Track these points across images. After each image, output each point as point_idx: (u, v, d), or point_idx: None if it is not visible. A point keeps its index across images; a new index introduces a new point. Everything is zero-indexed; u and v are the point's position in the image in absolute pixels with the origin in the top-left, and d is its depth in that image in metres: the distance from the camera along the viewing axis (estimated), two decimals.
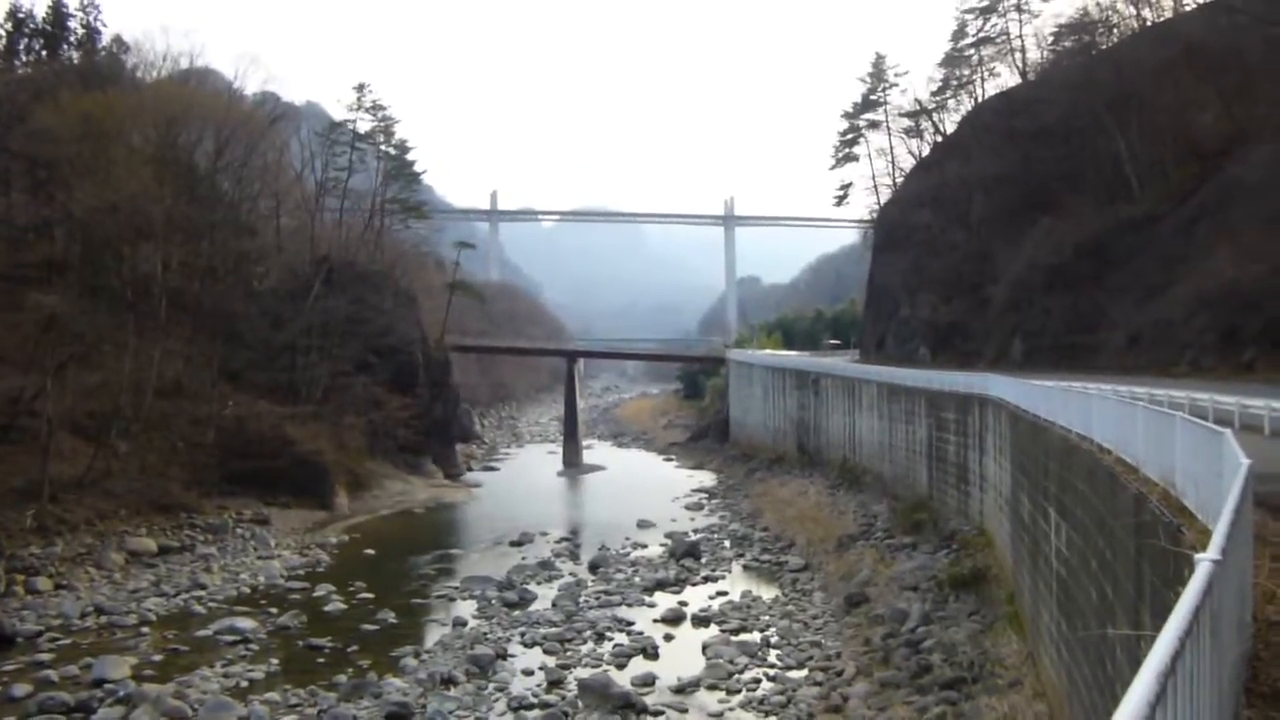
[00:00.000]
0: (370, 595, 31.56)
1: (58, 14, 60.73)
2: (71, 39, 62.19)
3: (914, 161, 70.80)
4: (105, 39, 64.05)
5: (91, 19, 62.46)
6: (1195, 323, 34.79)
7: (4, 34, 59.46)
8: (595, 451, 78.81)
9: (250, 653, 25.35)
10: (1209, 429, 8.96)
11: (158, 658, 24.86)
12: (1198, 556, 3.96)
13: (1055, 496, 17.29)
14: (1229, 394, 19.08)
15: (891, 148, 73.95)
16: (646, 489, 57.15)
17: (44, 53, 61.00)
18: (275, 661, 24.78)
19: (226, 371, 48.46)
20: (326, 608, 30.19)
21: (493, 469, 69.34)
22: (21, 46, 60.60)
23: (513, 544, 40.80)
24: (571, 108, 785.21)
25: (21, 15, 60.14)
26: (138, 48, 64.51)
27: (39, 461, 34.71)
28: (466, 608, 30.40)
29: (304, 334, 53.17)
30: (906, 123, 72.16)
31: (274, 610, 29.45)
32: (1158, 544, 8.51)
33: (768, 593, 31.73)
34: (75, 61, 60.51)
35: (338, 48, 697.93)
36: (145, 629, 27.47)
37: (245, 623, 27.44)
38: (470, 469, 67.08)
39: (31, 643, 25.75)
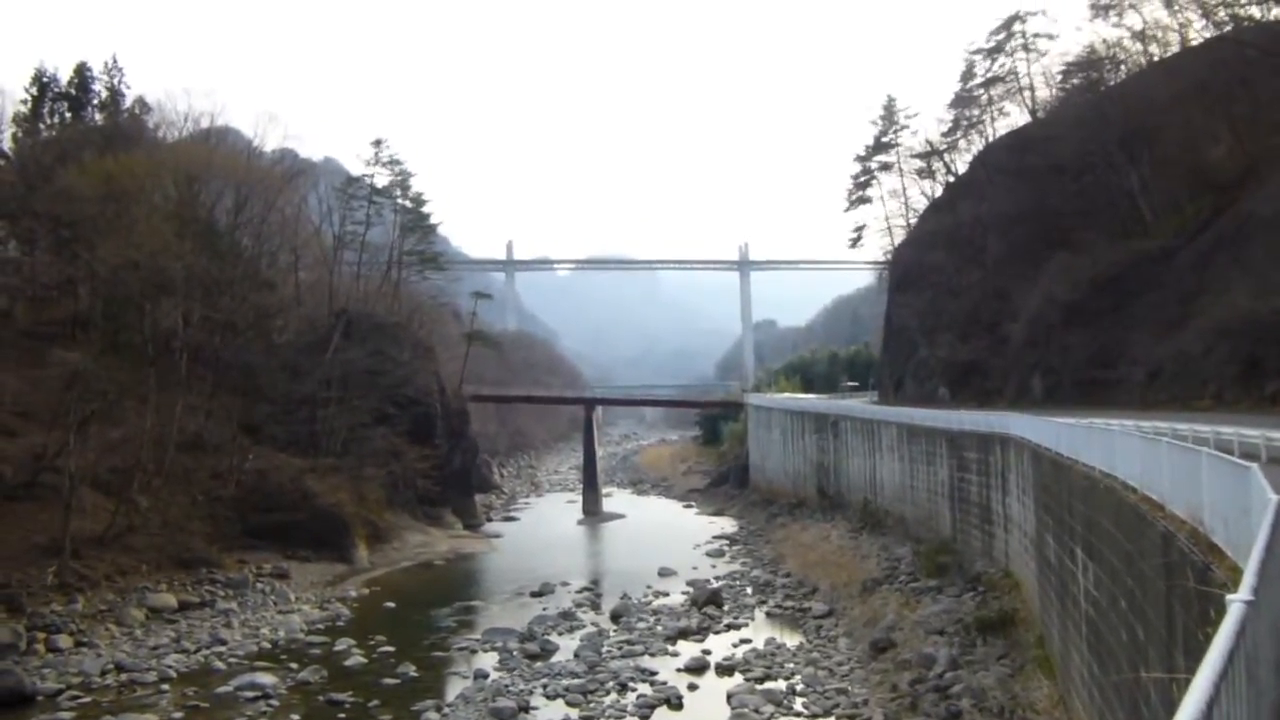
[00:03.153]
0: (391, 649, 31.30)
1: (82, 78, 62.24)
2: (95, 101, 63.59)
3: (927, 202, 70.92)
4: (128, 100, 65.70)
5: (115, 82, 63.99)
6: (1215, 356, 34.41)
7: (30, 98, 60.65)
8: (614, 499, 78.87)
9: (271, 709, 25.12)
10: (1235, 464, 8.85)
11: (178, 715, 24.68)
12: (1229, 597, 3.91)
13: (1081, 536, 17.09)
14: (1253, 427, 18.81)
15: (904, 189, 74.44)
16: (667, 536, 56.90)
17: (68, 115, 62.19)
18: (296, 717, 24.55)
19: (246, 425, 48.64)
20: (347, 662, 29.92)
21: (512, 519, 69.32)
22: (46, 110, 61.92)
23: (533, 595, 40.48)
24: (584, 157, 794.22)
25: (46, 79, 61.51)
26: (160, 108, 66.36)
27: (61, 518, 34.78)
28: (488, 660, 30.09)
29: (323, 386, 53.43)
30: (918, 164, 72.49)
31: (294, 665, 29.23)
32: (1187, 584, 8.37)
33: (792, 639, 31.32)
34: (99, 123, 61.90)
35: (354, 104, 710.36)
36: (165, 686, 27.28)
37: (266, 678, 27.21)
38: (490, 519, 67.20)
39: (52, 701, 25.58)
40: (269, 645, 32.07)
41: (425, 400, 60.51)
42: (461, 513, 62.71)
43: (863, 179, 75.80)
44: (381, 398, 56.29)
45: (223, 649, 31.06)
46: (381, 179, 69.22)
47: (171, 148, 59.12)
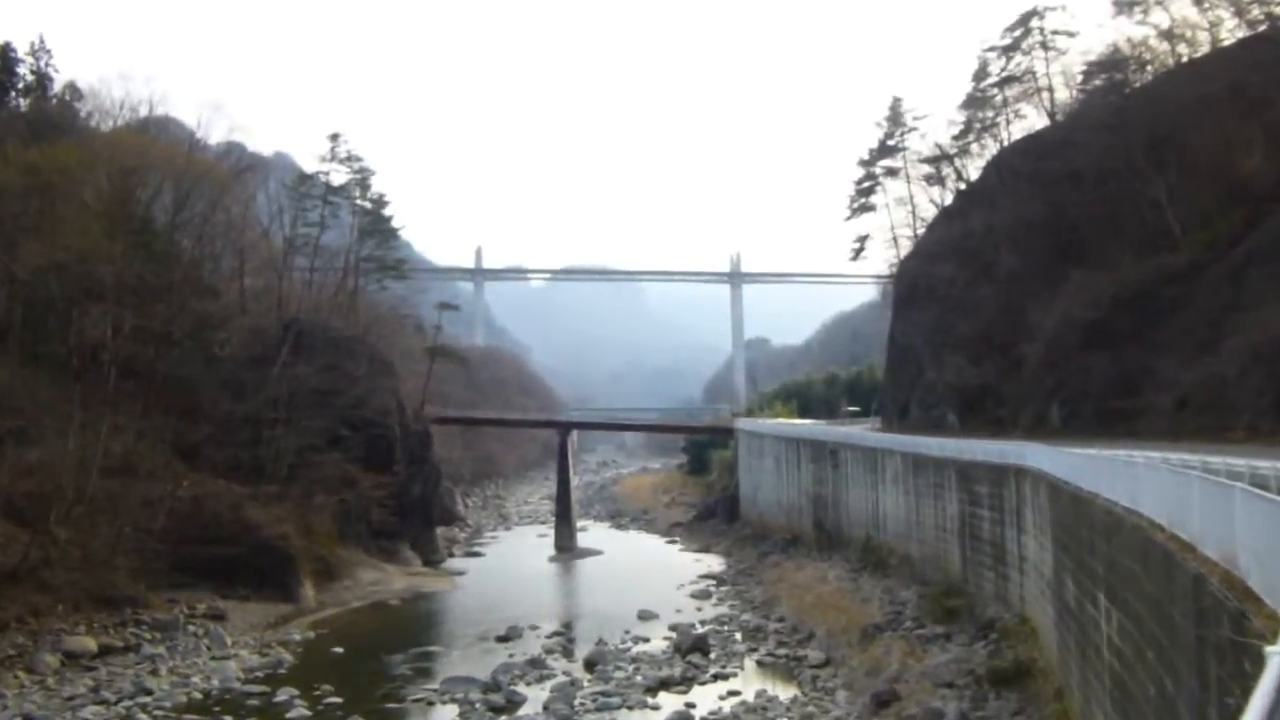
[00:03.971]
0: (338, 700, 30.95)
1: (5, 59, 61.39)
2: (19, 86, 62.71)
3: (936, 211, 71.42)
4: (57, 86, 64.86)
5: (42, 64, 63.08)
6: (1250, 381, 34.47)
7: None
8: (591, 534, 79.08)
9: None
10: (1273, 501, 8.78)
11: None
12: (1269, 650, 3.81)
13: (1104, 578, 17.06)
14: None
15: (911, 196, 74.58)
16: (648, 575, 57.09)
17: None
18: None
19: (182, 448, 48.35)
20: (289, 715, 29.54)
21: (477, 554, 69.32)
22: None
23: (499, 639, 40.34)
24: (562, 159, 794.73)
25: None
26: (93, 95, 65.35)
27: None
28: (447, 713, 29.81)
29: (269, 405, 53.16)
30: (927, 169, 72.46)
31: (229, 718, 28.81)
32: (1222, 633, 8.28)
33: (785, 691, 31.20)
34: (23, 110, 61.03)
35: (309, 95, 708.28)
36: None
37: None
38: (452, 555, 67.07)
39: None
40: (201, 695, 31.59)
41: (383, 422, 60.21)
42: (421, 547, 62.50)
43: (866, 185, 76.33)
44: (334, 418, 55.94)
45: (148, 699, 30.53)
46: (338, 177, 69.28)
47: (105, 139, 58.56)
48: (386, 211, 73.52)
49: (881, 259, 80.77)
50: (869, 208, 76.98)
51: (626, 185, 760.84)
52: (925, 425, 55.78)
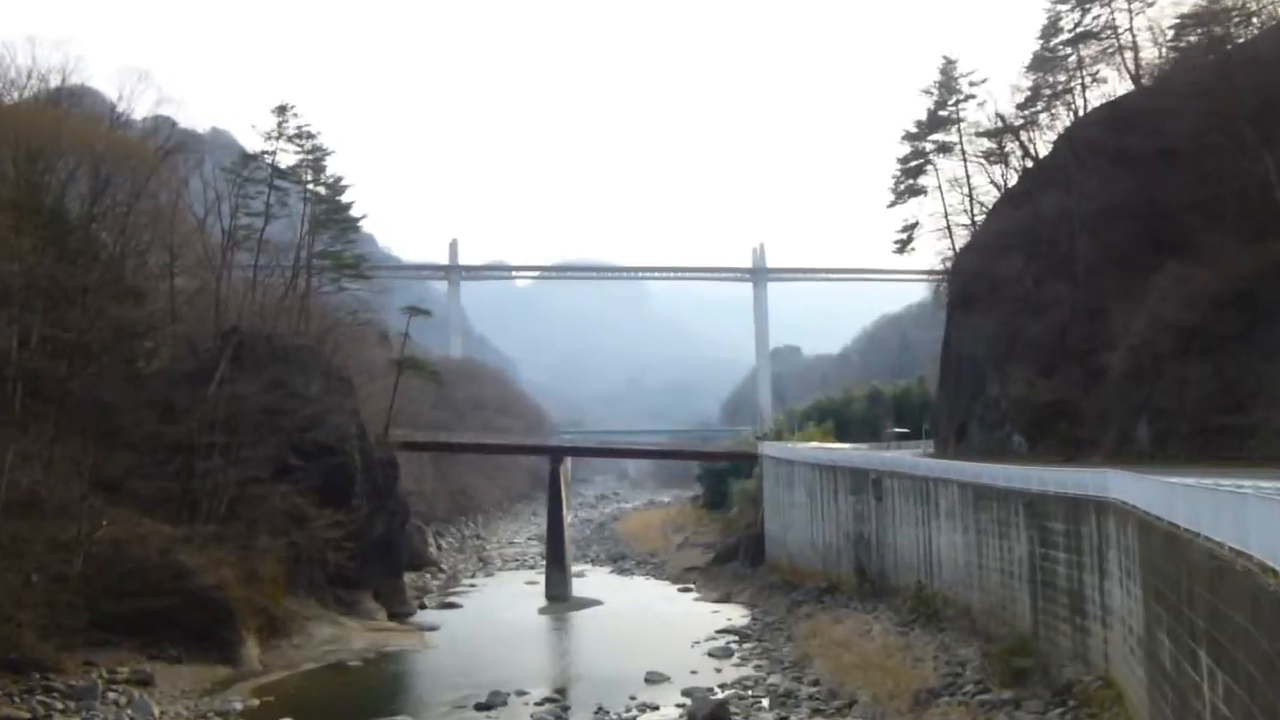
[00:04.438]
0: None
1: None
2: None
3: (998, 194, 70.67)
4: None
5: None
6: None
7: None
8: (589, 580, 79.42)
9: None
10: None
11: None
12: None
13: (1206, 634, 16.92)
14: None
15: (968, 176, 73.40)
16: (657, 630, 57.56)
17: None
18: None
19: (101, 480, 47.91)
20: None
21: (453, 605, 69.53)
22: None
23: (479, 707, 40.28)
24: (551, 143, 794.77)
25: None
26: None
27: None
28: None
29: (205, 429, 52.89)
30: (986, 144, 71.39)
31: None
32: None
33: None
34: None
35: (252, 62, 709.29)
36: None
37: None
38: (423, 606, 67.41)
39: None
40: None
41: (340, 449, 60.32)
42: (386, 597, 62.51)
43: (913, 164, 75.50)
44: (282, 445, 55.98)
45: None
46: (287, 157, 69.15)
47: (9, 113, 58.29)
48: (345, 198, 73.58)
49: (933, 252, 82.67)
50: (917, 191, 75.91)
51: (626, 173, 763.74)
52: (987, 449, 56.19)
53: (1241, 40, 55.09)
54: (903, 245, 78.64)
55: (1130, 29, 63.98)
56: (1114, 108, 61.62)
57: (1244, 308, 42.68)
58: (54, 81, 62.99)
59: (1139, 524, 24.46)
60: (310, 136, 68.92)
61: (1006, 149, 70.63)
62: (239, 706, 39.99)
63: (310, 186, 70.50)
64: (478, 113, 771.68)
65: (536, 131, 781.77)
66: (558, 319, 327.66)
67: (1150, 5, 62.95)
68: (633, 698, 40.93)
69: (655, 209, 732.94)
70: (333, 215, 71.85)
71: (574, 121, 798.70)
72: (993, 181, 72.03)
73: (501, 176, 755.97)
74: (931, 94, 75.18)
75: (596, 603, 69.13)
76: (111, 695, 38.68)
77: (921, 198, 76.84)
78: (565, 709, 40.00)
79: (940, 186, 74.84)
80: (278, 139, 67.89)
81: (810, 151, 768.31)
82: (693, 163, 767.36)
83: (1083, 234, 56.22)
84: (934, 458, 60.34)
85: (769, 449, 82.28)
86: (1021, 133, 69.30)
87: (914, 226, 77.46)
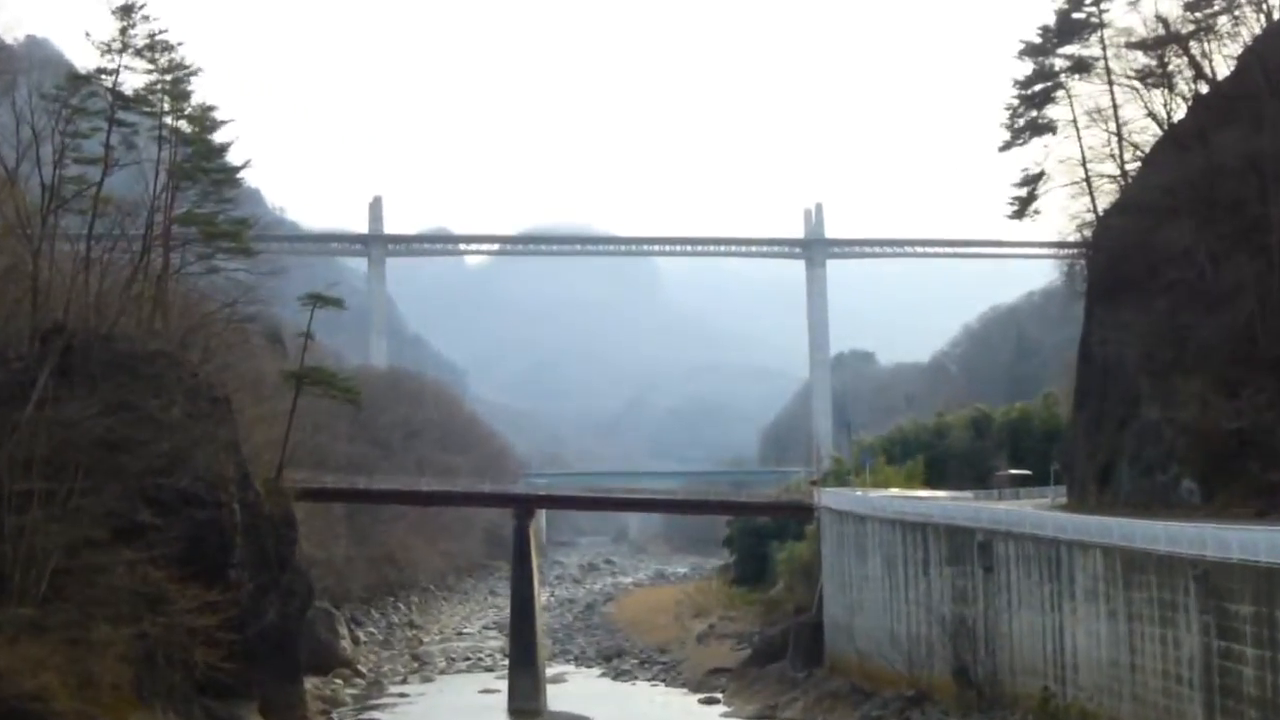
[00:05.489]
0: None
1: None
2: None
3: (1158, 132, 62.35)
4: None
5: None
6: None
7: None
8: (571, 687, 75.22)
9: None
10: None
11: None
12: None
13: None
14: None
15: (1115, 107, 64.77)
16: None
17: None
18: None
19: None
20: None
21: None
22: None
23: None
24: (516, 77, 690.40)
25: None
26: None
27: None
28: None
29: (18, 471, 47.64)
30: (1141, 60, 63.06)
31: None
32: None
33: None
34: None
35: None
36: None
37: None
38: None
39: None
40: None
41: (212, 499, 55.30)
42: (279, 711, 58.53)
43: (1037, 90, 66.97)
44: (129, 493, 51.43)
45: None
46: (135, 78, 61.03)
47: None
48: (219, 138, 64.80)
49: (1064, 215, 69.98)
50: (1043, 127, 67.20)
51: (618, 117, 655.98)
52: (1143, 499, 51.83)
53: None
54: (1022, 207, 69.51)
55: None
56: None
57: None
58: None
59: None
60: (169, 48, 59.51)
61: (1170, 68, 63.34)
62: None
63: (169, 121, 62.14)
64: (413, 35, 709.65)
65: (493, 62, 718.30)
66: (526, 312, 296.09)
67: None
68: None
69: (661, 165, 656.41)
70: (202, 163, 63.07)
71: (544, 51, 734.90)
72: (1151, 114, 64.19)
73: (447, 120, 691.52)
74: None
75: None
76: None
77: (1049, 137, 68.12)
78: None
79: (1075, 121, 66.56)
80: (121, 52, 58.51)
81: (878, 78, 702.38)
82: (711, 103, 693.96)
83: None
84: (1067, 511, 54.66)
85: (830, 498, 74.59)
86: (1192, 44, 61.66)
87: (1037, 179, 68.54)
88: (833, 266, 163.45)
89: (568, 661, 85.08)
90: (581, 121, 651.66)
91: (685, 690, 73.79)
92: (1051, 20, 66.79)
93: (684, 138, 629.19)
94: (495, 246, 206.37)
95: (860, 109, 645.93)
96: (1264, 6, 58.35)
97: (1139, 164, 63.42)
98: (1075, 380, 64.47)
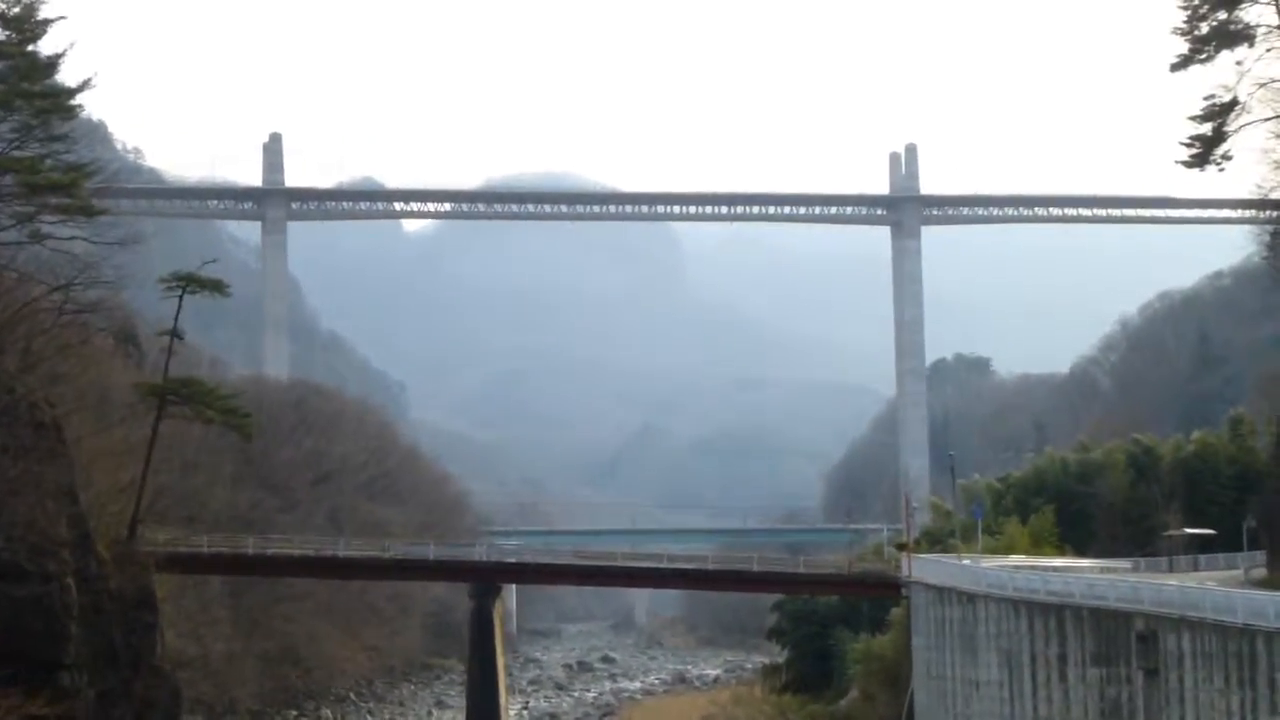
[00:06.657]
0: None
1: None
2: None
3: None
4: None
5: None
6: None
7: None
8: None
9: None
10: None
11: None
12: None
13: None
14: None
15: None
16: None
17: None
18: None
19: None
20: None
21: None
22: None
23: None
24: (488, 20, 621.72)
25: None
26: None
27: None
28: None
29: None
30: None
31: None
32: None
33: None
34: None
35: None
36: None
37: None
38: None
39: None
40: None
41: (36, 568, 49.55)
42: None
43: None
44: None
45: None
46: None
47: None
48: (47, 47, 54.96)
49: (1265, 160, 57.77)
50: (1236, 35, 54.48)
51: (619, 41, 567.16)
52: None
53: None
54: (1204, 150, 55.98)
55: None
56: None
57: None
58: None
59: None
60: None
61: None
62: None
63: None
64: None
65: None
66: (488, 302, 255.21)
67: None
68: None
69: (679, 99, 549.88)
70: (23, 83, 52.22)
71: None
72: None
73: (377, 36, 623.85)
74: None
75: None
76: None
77: (1243, 50, 55.32)
78: None
79: (1273, 32, 54.45)
80: None
81: None
82: (745, 11, 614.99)
83: None
84: (1267, 588, 48.38)
85: (925, 569, 64.08)
86: None
87: (1227, 111, 55.36)
88: (929, 236, 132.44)
89: None
90: (565, 38, 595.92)
91: None
92: None
93: (710, 62, 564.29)
94: (445, 206, 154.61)
95: (959, 16, 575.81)
96: None
97: None
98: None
